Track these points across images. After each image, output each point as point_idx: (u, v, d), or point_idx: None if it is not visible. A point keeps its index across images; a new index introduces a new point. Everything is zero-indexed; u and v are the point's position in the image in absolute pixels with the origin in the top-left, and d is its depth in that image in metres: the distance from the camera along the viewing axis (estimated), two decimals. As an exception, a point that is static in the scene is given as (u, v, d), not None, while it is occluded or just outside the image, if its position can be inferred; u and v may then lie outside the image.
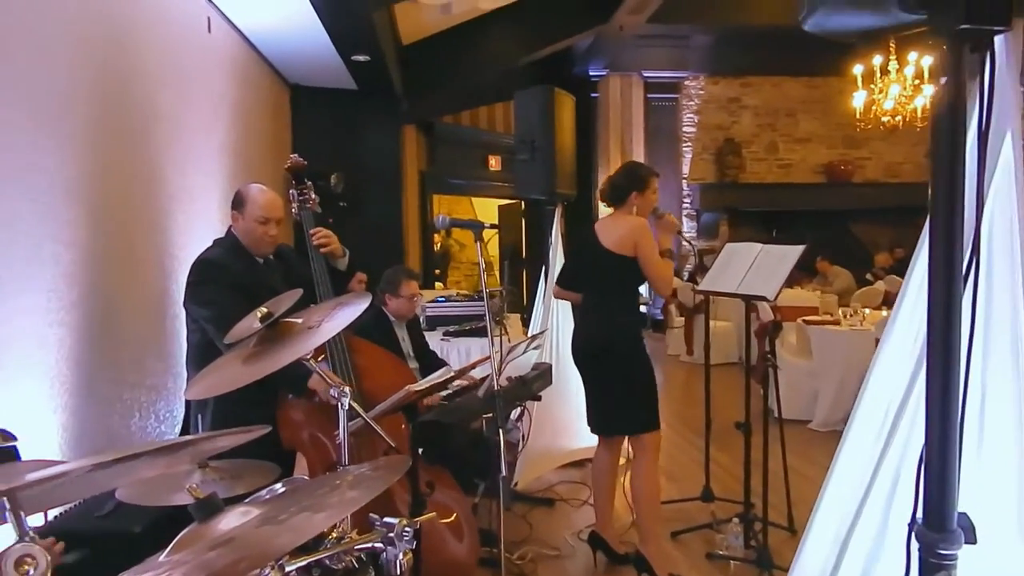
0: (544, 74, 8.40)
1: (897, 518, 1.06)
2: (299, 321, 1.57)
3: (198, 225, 3.79)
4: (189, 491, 0.94)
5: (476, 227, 2.14)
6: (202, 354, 2.37)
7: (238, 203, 2.52)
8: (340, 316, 1.57)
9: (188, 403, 2.84)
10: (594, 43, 9.41)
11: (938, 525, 0.94)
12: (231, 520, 0.88)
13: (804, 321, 5.80)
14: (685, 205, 10.98)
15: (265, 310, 1.58)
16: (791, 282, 8.85)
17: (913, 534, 0.97)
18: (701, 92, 10.97)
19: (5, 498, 0.60)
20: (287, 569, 0.87)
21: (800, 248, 3.03)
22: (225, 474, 1.60)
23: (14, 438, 0.65)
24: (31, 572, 0.58)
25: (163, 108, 3.46)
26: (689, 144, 11.01)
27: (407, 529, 1.09)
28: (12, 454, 0.63)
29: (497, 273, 10.13)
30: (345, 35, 4.83)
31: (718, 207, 10.90)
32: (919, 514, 0.96)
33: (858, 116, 7.55)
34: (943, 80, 0.90)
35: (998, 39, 0.93)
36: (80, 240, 2.64)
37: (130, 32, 3.16)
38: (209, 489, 1.13)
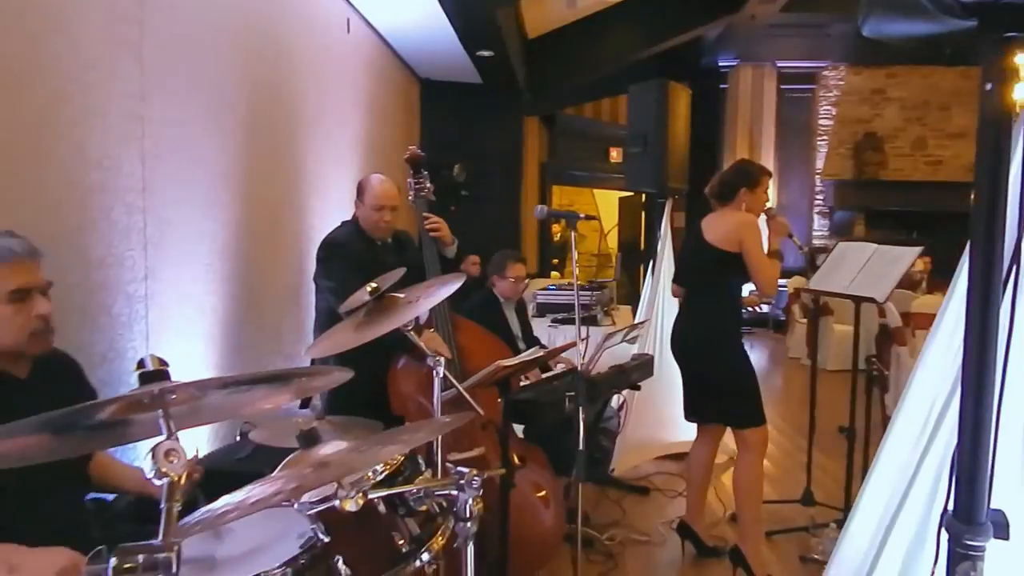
0: (669, 65, 8.29)
1: (940, 510, 1.08)
2: (401, 296, 1.78)
3: (331, 210, 4.18)
4: (297, 424, 1.16)
5: (572, 217, 2.27)
6: (325, 320, 2.68)
7: (360, 192, 2.81)
8: (437, 293, 1.77)
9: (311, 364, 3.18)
10: (724, 33, 9.16)
11: (966, 517, 0.97)
12: (328, 449, 1.08)
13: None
14: (817, 202, 10.45)
15: (375, 284, 1.80)
16: (933, 288, 8.23)
17: (943, 525, 1.01)
18: (840, 83, 10.37)
19: (160, 408, 0.82)
20: (371, 495, 1.06)
21: (917, 250, 2.90)
22: (337, 427, 1.85)
23: (167, 364, 0.87)
24: (175, 461, 0.80)
25: (307, 105, 3.85)
26: (824, 138, 10.45)
27: (476, 478, 1.26)
28: (165, 376, 0.85)
29: (614, 264, 10.14)
30: (470, 32, 5.07)
31: (854, 205, 10.29)
32: (950, 505, 1.00)
33: (1018, 109, 6.87)
34: (987, 87, 0.93)
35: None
36: (232, 221, 3.03)
37: (282, 39, 3.55)
38: (301, 421, 1.36)
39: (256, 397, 0.99)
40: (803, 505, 3.69)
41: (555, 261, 9.93)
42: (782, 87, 10.27)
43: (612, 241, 10.16)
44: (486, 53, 5.58)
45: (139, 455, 2.21)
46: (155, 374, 0.85)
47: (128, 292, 2.38)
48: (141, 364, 0.88)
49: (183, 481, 0.79)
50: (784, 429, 5.28)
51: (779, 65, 10.16)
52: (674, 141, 4.12)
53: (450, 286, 1.80)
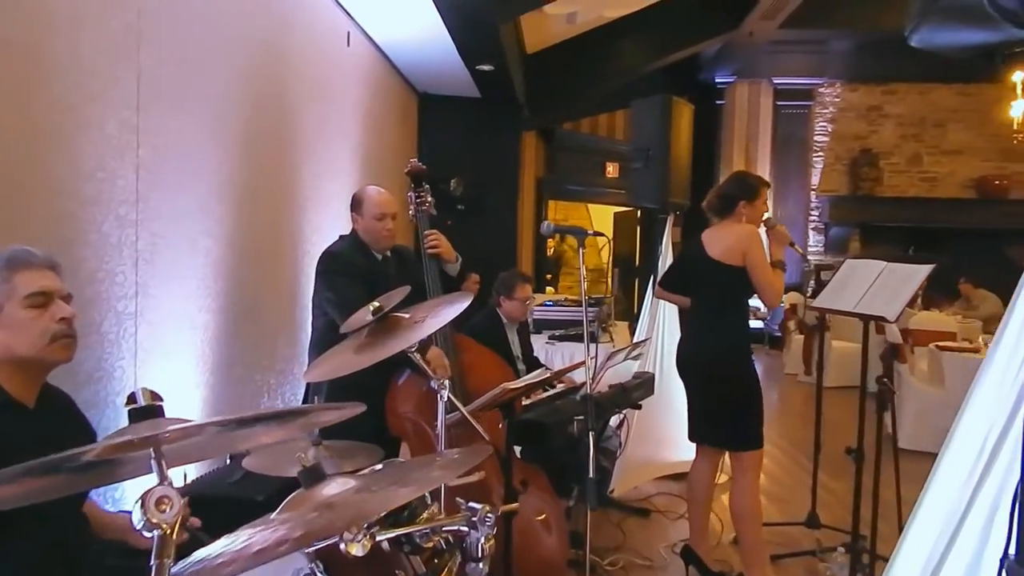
0: (667, 81, 8.30)
1: (993, 552, 1.01)
2: (406, 316, 1.70)
3: (328, 225, 4.10)
4: (299, 460, 1.08)
5: (580, 233, 2.20)
6: (324, 339, 2.59)
7: (356, 205, 2.73)
8: (443, 313, 1.69)
9: (306, 386, 3.10)
10: (722, 49, 9.19)
11: (1029, 563, 0.90)
12: (332, 488, 1.00)
13: (937, 347, 5.39)
14: (812, 218, 10.46)
15: (377, 304, 1.72)
16: (929, 304, 8.21)
17: (1004, 570, 0.93)
18: (837, 100, 10.40)
19: (152, 448, 0.74)
20: (378, 538, 0.98)
21: (928, 268, 2.85)
22: (335, 453, 1.76)
23: (161, 399, 0.80)
24: (168, 510, 0.72)
25: (306, 118, 3.79)
26: (820, 154, 10.47)
27: (489, 515, 1.18)
28: (158, 412, 0.77)
29: (608, 280, 10.10)
30: (471, 46, 5.03)
31: (849, 221, 10.30)
32: (1011, 549, 0.93)
33: (1017, 127, 6.90)
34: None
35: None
36: (227, 236, 2.95)
37: (282, 52, 3.49)
38: (303, 456, 1.28)
39: (257, 432, 0.91)
40: (808, 527, 3.61)
41: (548, 276, 9.88)
42: (778, 103, 10.30)
43: (605, 255, 10.11)
44: (486, 67, 5.54)
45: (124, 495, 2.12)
46: (147, 410, 0.77)
47: (118, 309, 2.29)
48: (132, 399, 0.80)
49: (175, 533, 0.71)
50: (784, 447, 5.21)
51: (776, 81, 10.19)
52: (676, 156, 4.08)
53: (457, 306, 1.73)
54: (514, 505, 1.50)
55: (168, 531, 0.71)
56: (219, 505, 2.21)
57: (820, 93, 10.38)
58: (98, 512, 1.72)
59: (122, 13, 2.26)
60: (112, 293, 2.26)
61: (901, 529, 3.15)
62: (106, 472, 0.84)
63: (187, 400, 2.69)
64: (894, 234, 10.02)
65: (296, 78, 3.65)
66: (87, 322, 2.15)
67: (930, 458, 4.42)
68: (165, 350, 2.53)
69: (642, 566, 3.25)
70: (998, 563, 0.97)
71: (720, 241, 2.86)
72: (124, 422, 2.28)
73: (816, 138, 10.45)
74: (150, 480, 0.82)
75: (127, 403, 0.80)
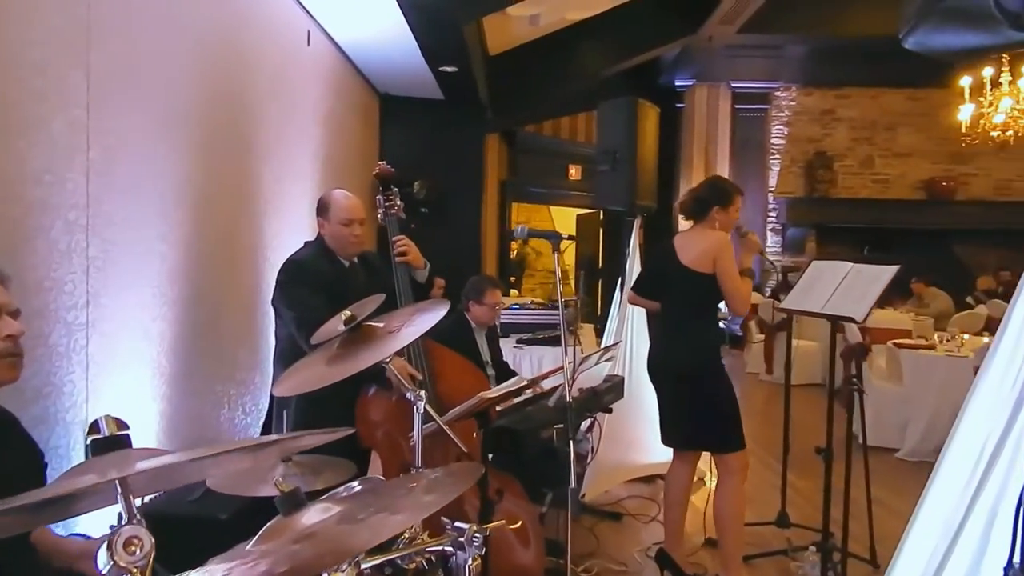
0: (628, 84, 8.35)
1: (992, 560, 1.00)
2: (380, 325, 1.63)
3: (289, 229, 3.99)
4: (276, 485, 1.00)
5: (554, 238, 2.16)
6: (288, 348, 2.49)
7: (322, 209, 2.63)
8: (420, 321, 1.63)
9: (272, 398, 2.98)
10: (682, 53, 9.29)
11: (1035, 573, 0.88)
12: (313, 515, 0.93)
13: (895, 344, 5.51)
14: (770, 219, 10.65)
15: (349, 313, 1.64)
16: (883, 303, 8.44)
17: (1007, 580, 0.92)
18: (793, 103, 10.62)
19: (118, 483, 0.67)
20: (363, 567, 0.91)
21: (894, 269, 2.89)
22: (306, 469, 1.67)
23: (127, 427, 0.72)
24: (138, 552, 0.64)
25: (266, 119, 3.67)
26: (777, 156, 10.67)
27: (477, 535, 1.12)
28: (125, 442, 0.70)
29: (572, 283, 10.12)
30: (435, 47, 4.96)
31: (806, 222, 10.51)
32: (1016, 559, 0.91)
33: (964, 130, 7.12)
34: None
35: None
36: (184, 241, 2.83)
37: (241, 50, 3.36)
38: (290, 482, 1.20)
39: (229, 460, 0.84)
40: (778, 527, 3.64)
41: (512, 279, 9.85)
42: (737, 107, 10.46)
43: (568, 258, 10.14)
44: (449, 69, 5.48)
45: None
46: (112, 441, 0.69)
47: (67, 320, 2.16)
48: (95, 428, 0.72)
49: (147, 577, 0.63)
50: (749, 447, 5.25)
51: (734, 85, 10.35)
52: (643, 159, 4.07)
53: (434, 314, 1.66)
54: (501, 522, 1.44)
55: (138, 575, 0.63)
56: (179, 526, 2.10)
57: (776, 97, 10.58)
58: (46, 536, 1.60)
59: (70, 6, 2.14)
60: (61, 303, 2.13)
61: (871, 526, 3.21)
62: (62, 509, 0.76)
63: (143, 414, 2.56)
64: (848, 235, 10.27)
65: (254, 77, 3.53)
66: (35, 334, 2.02)
67: (889, 454, 4.52)
68: (119, 362, 2.40)
69: (617, 572, 3.22)
70: (1001, 571, 0.94)
71: (692, 248, 2.86)
72: (74, 439, 2.17)
73: (773, 141, 10.65)
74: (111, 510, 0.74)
75: (89, 432, 0.71)
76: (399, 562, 1.24)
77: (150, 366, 2.61)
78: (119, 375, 2.40)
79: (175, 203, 2.77)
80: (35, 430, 1.65)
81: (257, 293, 3.57)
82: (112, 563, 0.63)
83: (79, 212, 2.20)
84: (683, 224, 2.98)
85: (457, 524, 1.13)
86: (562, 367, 1.99)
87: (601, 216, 9.99)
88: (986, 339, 5.57)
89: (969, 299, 8.61)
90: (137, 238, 2.52)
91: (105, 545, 0.64)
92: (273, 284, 2.65)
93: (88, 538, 1.71)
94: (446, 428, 1.69)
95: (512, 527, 2.53)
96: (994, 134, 7.00)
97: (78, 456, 2.15)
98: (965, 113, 7.07)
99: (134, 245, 2.50)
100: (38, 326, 2.04)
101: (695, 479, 3.93)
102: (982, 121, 7.07)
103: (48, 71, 2.05)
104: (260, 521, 1.21)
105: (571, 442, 1.83)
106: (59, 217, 2.12)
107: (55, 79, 2.08)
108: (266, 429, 3.29)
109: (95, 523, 1.75)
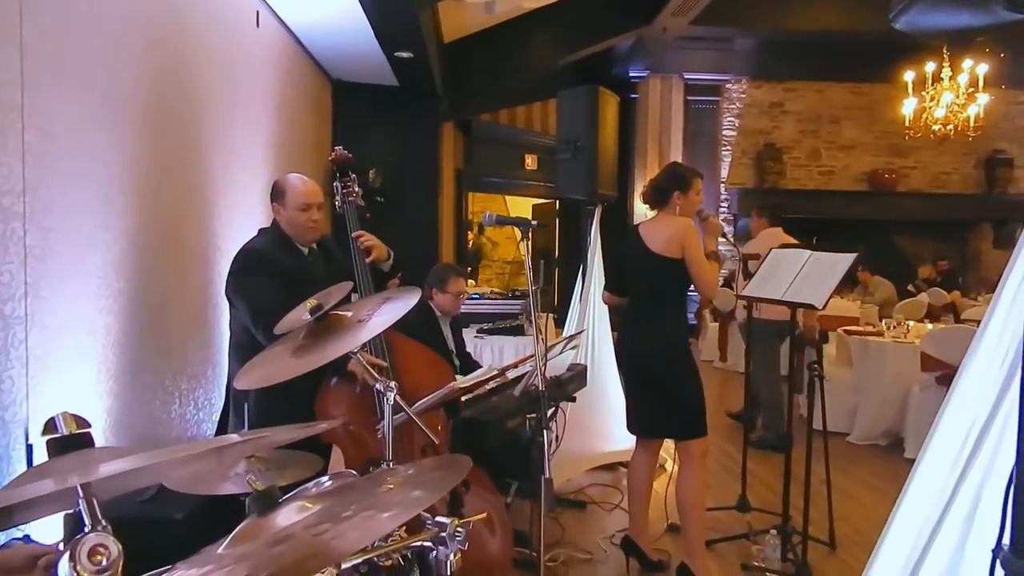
0: (584, 74, 8.35)
1: (976, 543, 1.00)
2: (348, 314, 1.56)
3: (241, 217, 3.84)
4: (249, 483, 0.93)
5: (524, 225, 2.12)
6: (244, 340, 2.38)
7: (277, 194, 2.52)
8: (389, 311, 1.56)
9: (228, 392, 2.86)
10: (635, 44, 9.35)
11: (1027, 551, 0.88)
12: (288, 515, 0.87)
13: (845, 331, 5.67)
14: (722, 209, 10.83)
15: (315, 302, 1.57)
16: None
17: (999, 561, 0.91)
18: (743, 96, 10.80)
19: (80, 487, 0.60)
20: (343, 565, 0.86)
21: (852, 256, 2.95)
22: (271, 464, 1.59)
23: (87, 424, 0.65)
24: (104, 562, 0.57)
25: (213, 103, 3.51)
26: (729, 148, 10.85)
27: (459, 529, 1.07)
28: (86, 441, 0.63)
29: (533, 272, 10.08)
30: (390, 32, 4.84)
31: (756, 213, 10.73)
32: (1005, 540, 0.91)
33: (907, 124, 7.36)
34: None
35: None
36: (129, 230, 2.68)
37: (186, 30, 3.20)
38: (255, 480, 1.13)
39: (198, 460, 0.77)
40: (739, 511, 3.70)
41: (468, 269, 9.78)
42: (689, 98, 10.58)
43: (523, 247, 10.10)
44: (405, 55, 5.36)
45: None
46: (71, 440, 0.62)
47: (4, 313, 2.02)
48: (51, 426, 0.64)
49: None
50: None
51: (686, 77, 10.46)
52: (604, 148, 4.06)
53: (404, 302, 1.60)
54: (483, 515, 1.40)
55: (104, 589, 0.56)
56: (130, 529, 1.98)
57: (727, 89, 10.74)
58: None
59: (0, -25, 1.98)
60: (-3, 295, 1.99)
61: (830, 509, 3.28)
62: (8, 517, 0.68)
63: (88, 411, 2.39)
64: (796, 224, 10.49)
65: (201, 58, 3.37)
66: (-33, 329, 1.88)
67: (840, 438, 4.63)
68: (61, 357, 2.26)
69: (582, 560, 3.22)
70: (990, 553, 0.94)
71: (659, 235, 2.86)
72: (14, 439, 2.03)
73: (724, 133, 10.81)
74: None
75: (44, 431, 0.64)
76: (375, 559, 1.18)
77: (95, 361, 2.47)
78: (62, 370, 2.25)
79: (119, 190, 2.62)
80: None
81: (208, 283, 3.43)
82: (74, 575, 0.56)
83: (14, 198, 2.05)
84: (639, 212, 2.98)
85: (438, 519, 1.08)
86: (533, 355, 1.95)
87: (557, 206, 9.99)
88: (930, 326, 5.77)
89: (911, 287, 8.94)
90: (79, 226, 2.37)
91: (68, 555, 0.57)
92: (226, 274, 2.53)
93: (31, 542, 1.59)
94: (417, 420, 1.64)
95: (477, 518, 2.49)
96: (935, 128, 7.25)
97: (18, 457, 2.02)
98: (908, 107, 7.31)
99: (75, 234, 2.35)
100: (-29, 320, 1.89)
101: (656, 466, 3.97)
102: (924, 116, 7.32)
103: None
104: (220, 521, 1.13)
105: (544, 431, 1.79)
106: (-7, 203, 1.97)
107: (-14, 53, 1.93)
108: (222, 423, 3.16)
109: (41, 526, 1.64)
